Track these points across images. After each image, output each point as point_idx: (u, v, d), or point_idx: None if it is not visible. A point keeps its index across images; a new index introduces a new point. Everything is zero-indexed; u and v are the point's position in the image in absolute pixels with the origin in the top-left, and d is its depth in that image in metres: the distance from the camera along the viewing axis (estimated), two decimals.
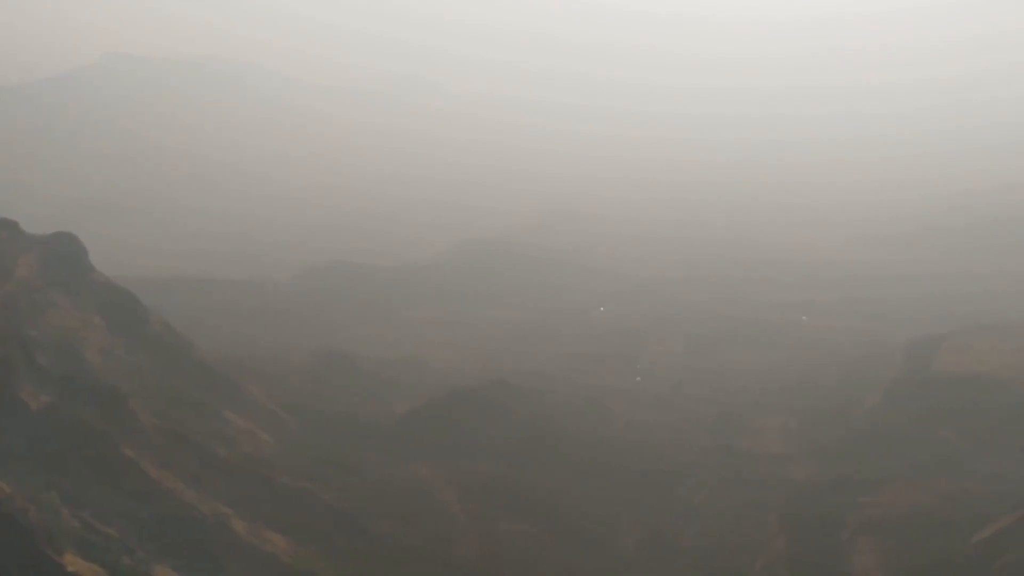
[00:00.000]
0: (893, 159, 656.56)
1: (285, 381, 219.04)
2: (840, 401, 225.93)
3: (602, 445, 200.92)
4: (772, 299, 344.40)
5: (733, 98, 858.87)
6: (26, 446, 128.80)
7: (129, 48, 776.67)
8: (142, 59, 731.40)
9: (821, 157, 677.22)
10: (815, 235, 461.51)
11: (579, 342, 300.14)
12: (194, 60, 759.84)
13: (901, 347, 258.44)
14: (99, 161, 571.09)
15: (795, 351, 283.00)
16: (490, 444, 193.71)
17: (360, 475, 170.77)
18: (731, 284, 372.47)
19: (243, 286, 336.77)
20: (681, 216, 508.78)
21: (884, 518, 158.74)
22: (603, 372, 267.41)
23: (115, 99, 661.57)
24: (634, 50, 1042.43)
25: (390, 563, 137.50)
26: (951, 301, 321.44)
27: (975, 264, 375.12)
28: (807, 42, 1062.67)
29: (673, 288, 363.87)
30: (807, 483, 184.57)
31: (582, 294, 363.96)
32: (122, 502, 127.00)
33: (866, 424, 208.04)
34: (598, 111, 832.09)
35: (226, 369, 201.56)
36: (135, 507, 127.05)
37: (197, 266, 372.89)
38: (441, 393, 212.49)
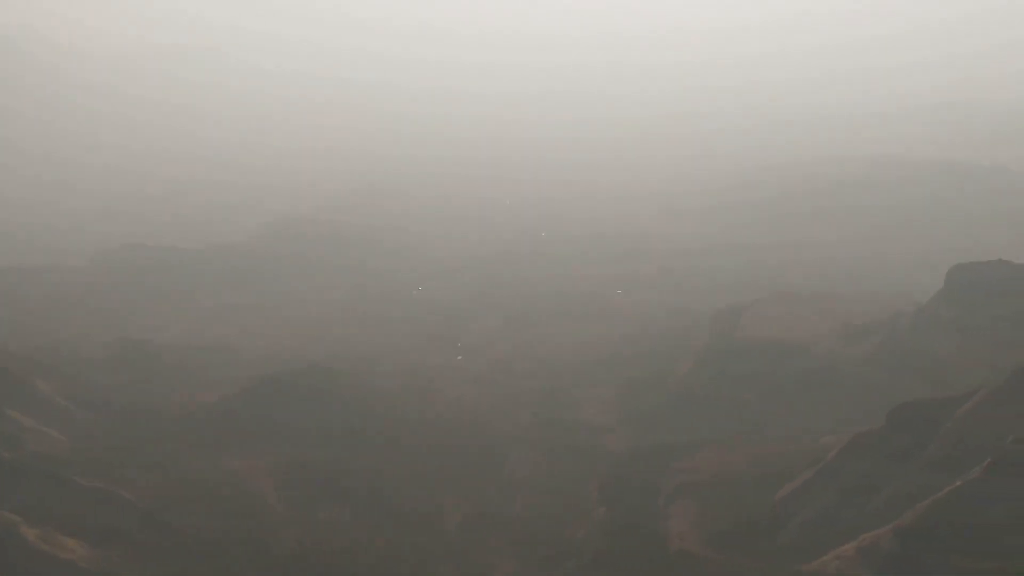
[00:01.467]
0: (698, 133, 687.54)
1: (79, 375, 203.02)
2: (654, 371, 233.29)
3: (425, 425, 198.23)
4: (587, 273, 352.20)
5: (537, 75, 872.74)
6: None
7: None
8: None
9: (627, 133, 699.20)
10: (627, 210, 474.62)
11: (398, 323, 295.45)
12: None
13: (708, 316, 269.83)
14: None
15: (611, 324, 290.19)
16: (308, 431, 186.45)
17: (165, 470, 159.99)
18: (546, 259, 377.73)
19: (31, 274, 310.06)
20: (492, 194, 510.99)
21: (697, 482, 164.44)
22: (424, 352, 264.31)
23: None
24: (435, 27, 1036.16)
25: (202, 561, 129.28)
26: (754, 270, 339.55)
27: (776, 234, 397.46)
28: (622, 21, 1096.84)
29: (490, 266, 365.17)
30: (625, 452, 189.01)
31: (399, 273, 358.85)
32: None
33: (679, 392, 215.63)
34: (400, 88, 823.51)
35: (9, 364, 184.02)
36: None
37: None
38: (253, 381, 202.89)
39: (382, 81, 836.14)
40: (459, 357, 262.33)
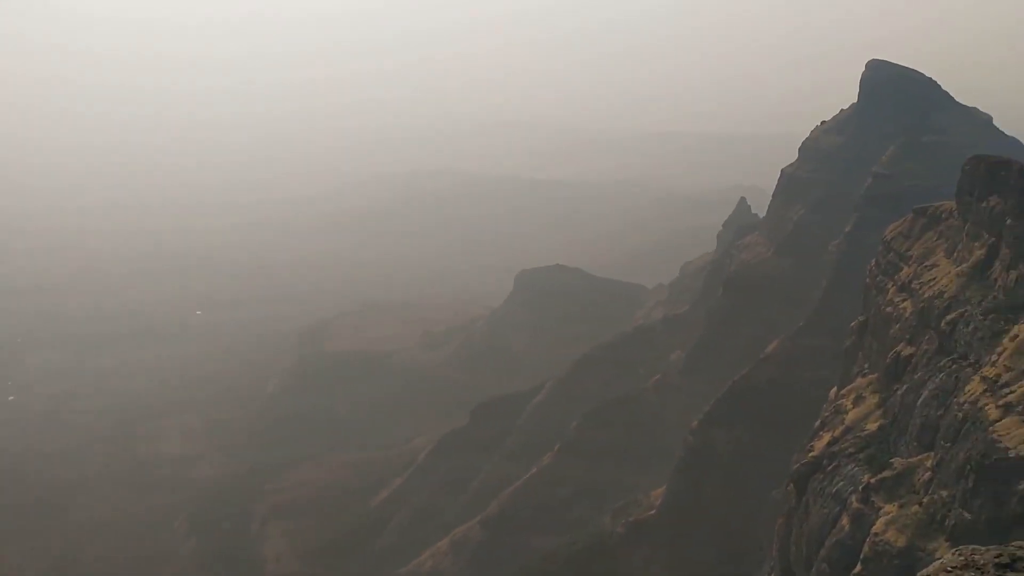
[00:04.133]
0: (301, 153, 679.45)
1: None
2: (242, 392, 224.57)
3: None
4: (164, 295, 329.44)
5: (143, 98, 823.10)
6: None
7: None
8: None
9: (232, 156, 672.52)
10: (212, 226, 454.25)
11: None
12: None
13: (298, 331, 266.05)
14: None
15: (194, 346, 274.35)
16: None
17: None
18: (119, 281, 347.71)
19: None
20: (71, 221, 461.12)
21: (292, 501, 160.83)
22: None
23: None
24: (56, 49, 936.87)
25: None
26: (340, 283, 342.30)
27: (361, 248, 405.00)
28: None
29: (49, 294, 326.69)
30: (215, 479, 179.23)
31: None
32: None
33: (270, 411, 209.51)
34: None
35: None
36: None
37: None
38: None
39: None
40: (11, 398, 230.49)
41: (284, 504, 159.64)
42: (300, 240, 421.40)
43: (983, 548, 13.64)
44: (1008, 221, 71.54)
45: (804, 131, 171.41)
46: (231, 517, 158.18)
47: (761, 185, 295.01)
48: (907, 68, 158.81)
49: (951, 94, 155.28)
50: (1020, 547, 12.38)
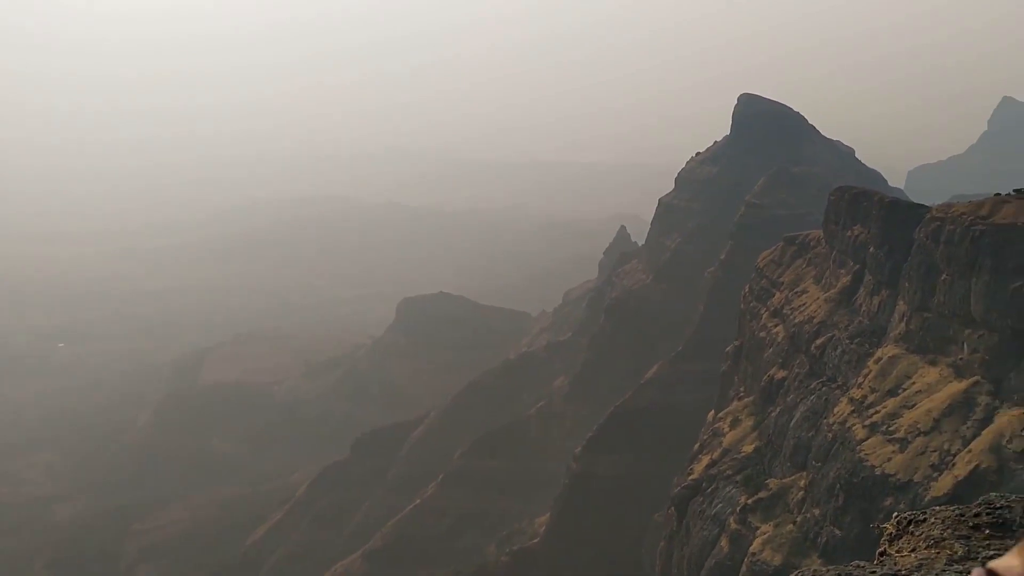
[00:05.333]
0: (177, 180, 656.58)
1: None
2: (109, 427, 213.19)
3: None
4: (23, 326, 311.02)
5: None
6: None
7: None
8: None
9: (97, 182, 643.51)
10: (77, 254, 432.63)
11: None
12: None
13: (169, 363, 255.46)
14: None
15: (56, 379, 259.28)
16: None
17: None
18: None
19: None
20: None
21: (163, 541, 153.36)
22: None
23: None
24: None
25: None
26: (216, 313, 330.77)
27: (238, 275, 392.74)
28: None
29: None
30: (79, 520, 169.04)
31: None
32: None
33: (139, 447, 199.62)
34: None
35: None
36: None
37: None
38: None
39: None
40: None
41: (154, 544, 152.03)
42: (173, 269, 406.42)
43: (860, 563, 13.38)
44: (871, 249, 74.97)
45: (680, 161, 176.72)
46: (97, 559, 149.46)
47: (640, 214, 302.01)
48: (776, 102, 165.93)
49: (816, 128, 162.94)
50: (858, 565, 12.13)
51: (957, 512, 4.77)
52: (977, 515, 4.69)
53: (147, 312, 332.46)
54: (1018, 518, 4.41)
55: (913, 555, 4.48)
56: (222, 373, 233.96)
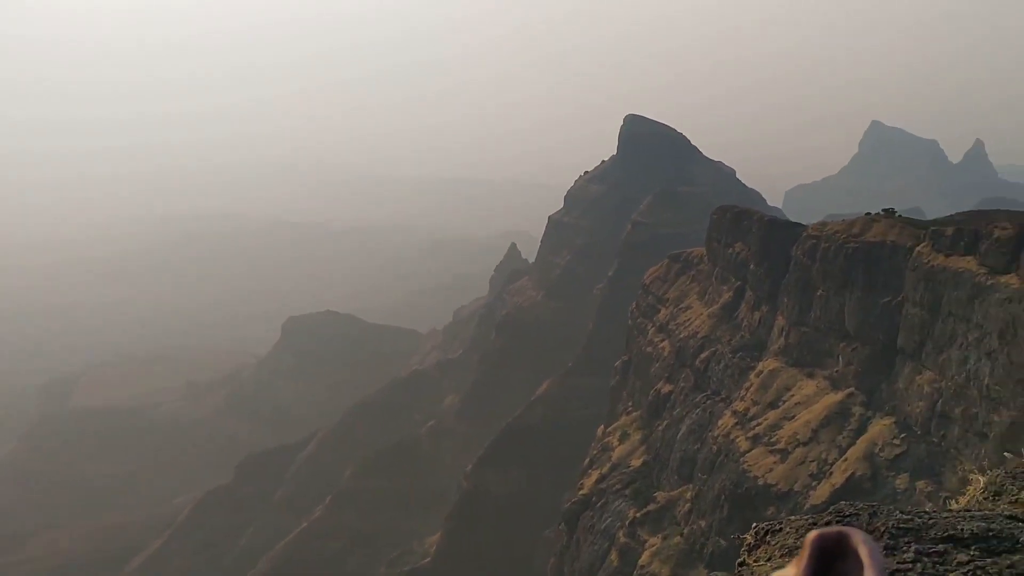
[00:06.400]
0: (56, 197, 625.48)
1: None
2: None
3: None
4: None
5: None
6: None
7: None
8: None
9: None
10: None
11: None
12: None
13: (36, 388, 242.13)
14: None
15: None
16: None
17: None
18: None
19: None
20: None
21: (33, 573, 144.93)
22: None
23: None
24: None
25: None
26: (88, 333, 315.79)
27: (112, 293, 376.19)
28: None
29: None
30: None
31: None
32: None
33: (5, 475, 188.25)
34: None
35: None
36: None
37: None
38: None
39: None
40: None
41: None
42: (44, 288, 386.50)
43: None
44: (751, 266, 77.48)
45: (570, 180, 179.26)
46: None
47: (531, 231, 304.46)
48: (660, 123, 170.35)
49: (699, 149, 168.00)
50: None
51: (810, 521, 4.92)
52: (828, 523, 4.75)
53: (14, 333, 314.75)
54: (864, 525, 4.52)
55: (768, 564, 4.59)
56: (98, 396, 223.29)
